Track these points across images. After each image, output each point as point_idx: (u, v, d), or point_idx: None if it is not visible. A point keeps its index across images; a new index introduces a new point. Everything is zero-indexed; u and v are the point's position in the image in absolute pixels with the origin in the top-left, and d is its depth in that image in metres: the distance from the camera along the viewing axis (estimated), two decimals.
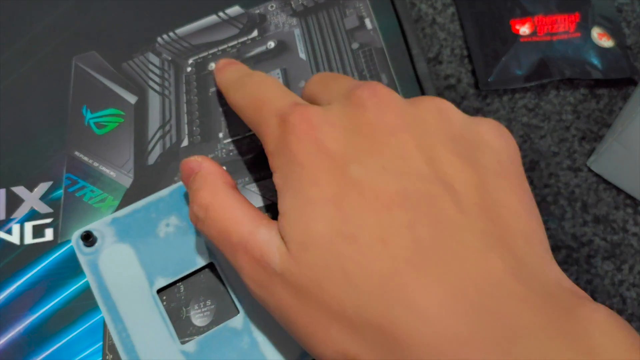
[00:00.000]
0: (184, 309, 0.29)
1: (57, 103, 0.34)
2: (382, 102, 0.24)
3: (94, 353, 0.28)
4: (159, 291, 0.29)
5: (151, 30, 0.37)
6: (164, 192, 0.31)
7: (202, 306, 0.29)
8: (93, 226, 0.30)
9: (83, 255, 0.30)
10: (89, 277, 0.29)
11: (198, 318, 0.29)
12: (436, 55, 0.46)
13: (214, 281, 0.30)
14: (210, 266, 0.30)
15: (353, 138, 0.24)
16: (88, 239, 0.30)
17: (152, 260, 0.29)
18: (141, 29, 0.37)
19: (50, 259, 0.30)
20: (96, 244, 0.30)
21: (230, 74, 0.31)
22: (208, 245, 0.30)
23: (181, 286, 0.29)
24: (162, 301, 0.29)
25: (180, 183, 0.32)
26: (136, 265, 0.29)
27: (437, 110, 0.25)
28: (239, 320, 0.28)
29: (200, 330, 0.29)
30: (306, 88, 0.30)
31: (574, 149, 0.43)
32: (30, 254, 0.30)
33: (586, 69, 0.44)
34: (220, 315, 0.29)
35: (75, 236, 0.30)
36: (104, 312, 0.28)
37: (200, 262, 0.30)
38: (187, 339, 0.28)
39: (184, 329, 0.29)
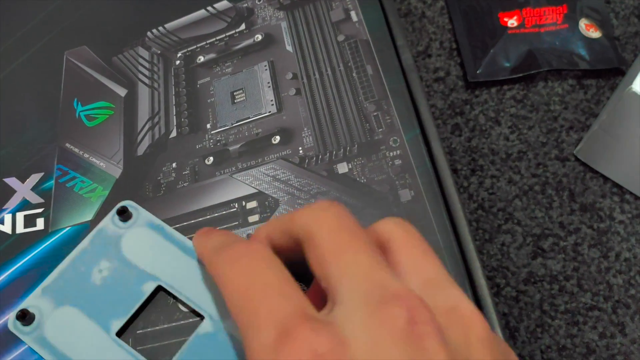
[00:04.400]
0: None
1: (49, 96, 0.35)
2: (433, 339, 0.18)
3: None
4: (119, 334, 0.28)
5: (141, 25, 0.37)
6: (84, 243, 0.30)
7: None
8: (26, 303, 0.29)
9: (26, 335, 0.28)
10: (42, 354, 0.27)
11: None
12: (425, 49, 0.47)
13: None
14: (158, 289, 0.29)
15: None
16: (24, 317, 0.28)
17: (99, 309, 0.28)
18: (131, 24, 0.38)
19: (42, 247, 0.31)
20: (36, 319, 0.28)
21: (216, 239, 0.25)
22: (148, 270, 0.29)
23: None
24: (126, 341, 0.28)
25: (97, 227, 0.30)
26: (85, 321, 0.28)
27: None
28: (207, 324, 0.28)
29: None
30: (312, 250, 0.21)
31: (562, 138, 0.43)
32: (21, 243, 0.31)
33: (574, 59, 0.45)
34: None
35: (11, 319, 0.28)
36: None
37: (148, 290, 0.29)
38: None
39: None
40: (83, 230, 0.31)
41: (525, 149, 0.43)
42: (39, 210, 0.32)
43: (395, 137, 0.33)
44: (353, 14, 0.37)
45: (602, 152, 0.41)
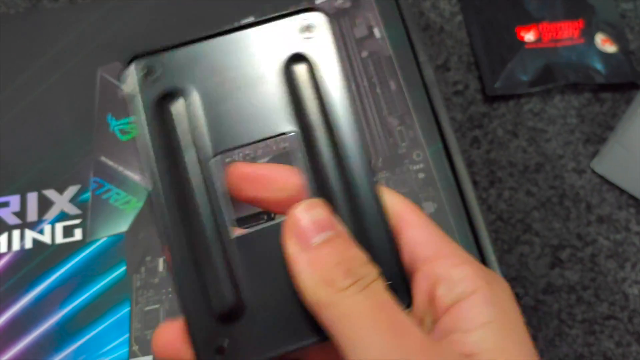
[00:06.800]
0: None
1: (84, 111, 0.37)
2: None
3: (121, 344, 0.30)
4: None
5: (170, 42, 0.39)
6: None
7: None
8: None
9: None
10: None
11: None
12: (444, 62, 0.48)
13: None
14: None
15: None
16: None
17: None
18: (161, 40, 0.39)
19: (80, 257, 0.32)
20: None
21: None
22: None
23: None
24: None
25: None
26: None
27: None
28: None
29: None
30: None
31: (579, 151, 0.44)
32: (60, 252, 0.32)
33: (590, 74, 0.46)
34: None
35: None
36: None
37: None
38: None
39: None
40: (119, 240, 0.33)
41: (543, 162, 0.44)
42: (77, 222, 0.33)
43: (419, 152, 0.34)
44: (376, 30, 0.38)
45: (618, 164, 0.42)
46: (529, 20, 0.48)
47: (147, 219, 0.33)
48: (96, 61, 0.38)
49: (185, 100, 0.22)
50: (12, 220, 0.33)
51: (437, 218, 0.33)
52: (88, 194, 0.34)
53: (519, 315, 0.21)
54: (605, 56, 0.46)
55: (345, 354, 0.19)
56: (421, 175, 0.34)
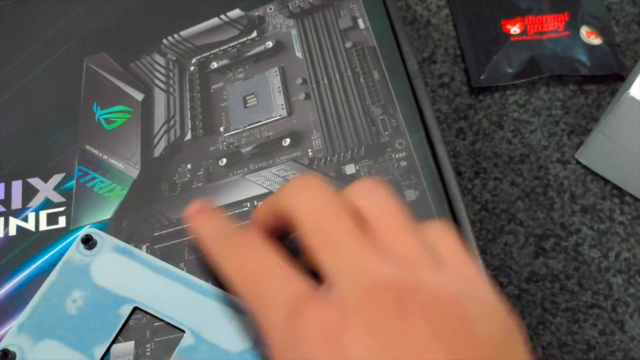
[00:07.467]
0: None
1: (70, 101, 0.37)
2: (417, 315, 0.21)
3: None
4: (103, 358, 0.29)
5: (157, 33, 0.39)
6: (53, 276, 0.30)
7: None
8: (5, 343, 0.28)
9: None
10: None
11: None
12: (430, 55, 0.48)
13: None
14: (135, 310, 0.30)
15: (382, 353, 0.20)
16: (6, 357, 0.28)
17: (79, 338, 0.29)
18: (148, 32, 0.39)
19: (63, 244, 0.32)
20: (17, 358, 0.28)
21: (214, 226, 0.27)
22: (121, 293, 0.30)
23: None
24: None
25: (63, 259, 0.31)
26: (67, 351, 0.28)
27: None
28: (189, 337, 0.28)
29: None
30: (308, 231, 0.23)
31: (563, 142, 0.45)
32: (44, 240, 0.32)
33: (575, 66, 0.46)
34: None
35: None
36: None
37: (125, 313, 0.29)
38: None
39: None
40: (102, 227, 0.33)
41: (528, 152, 0.44)
42: (61, 209, 0.33)
43: (401, 140, 0.35)
44: (360, 21, 0.39)
45: (603, 155, 0.42)
46: (515, 13, 0.48)
47: (131, 206, 0.33)
48: (82, 52, 0.39)
49: None
50: None
51: (419, 205, 0.33)
52: (73, 182, 0.34)
53: None
54: (590, 48, 0.47)
55: None
56: (403, 164, 0.34)
